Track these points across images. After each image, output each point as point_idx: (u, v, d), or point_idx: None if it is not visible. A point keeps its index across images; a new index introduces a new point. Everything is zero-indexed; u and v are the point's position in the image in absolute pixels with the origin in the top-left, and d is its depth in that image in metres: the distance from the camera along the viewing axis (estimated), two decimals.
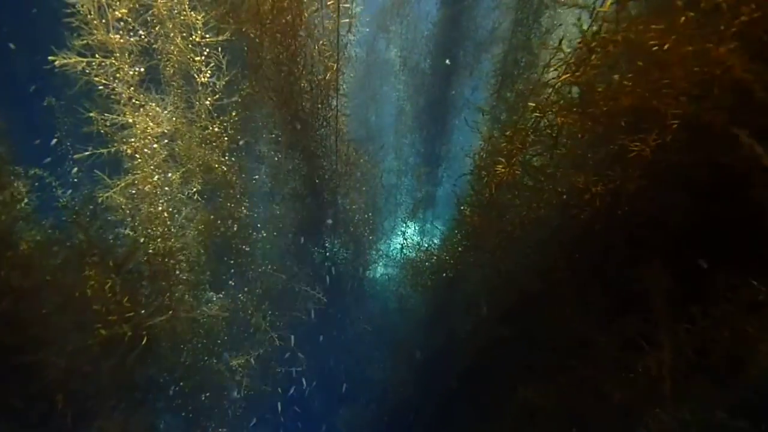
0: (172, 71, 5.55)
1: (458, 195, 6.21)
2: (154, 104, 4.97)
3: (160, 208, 5.45)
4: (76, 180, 6.21)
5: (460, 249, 6.09)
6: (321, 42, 5.13)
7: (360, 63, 10.38)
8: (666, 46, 2.22)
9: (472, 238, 5.36)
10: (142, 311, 4.55)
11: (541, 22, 6.61)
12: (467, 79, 9.57)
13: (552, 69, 2.70)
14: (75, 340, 3.97)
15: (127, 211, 5.37)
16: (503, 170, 3.33)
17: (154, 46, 5.27)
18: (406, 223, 10.64)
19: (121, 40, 4.73)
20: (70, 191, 6.54)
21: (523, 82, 6.15)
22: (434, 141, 10.78)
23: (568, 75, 2.62)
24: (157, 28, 5.21)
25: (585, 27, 2.48)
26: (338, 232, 8.44)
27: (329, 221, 7.96)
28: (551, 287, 4.15)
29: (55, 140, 7.71)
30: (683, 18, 2.18)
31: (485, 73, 8.66)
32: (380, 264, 9.98)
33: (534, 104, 2.94)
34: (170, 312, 4.86)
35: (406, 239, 9.18)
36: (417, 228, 11.40)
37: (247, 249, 6.83)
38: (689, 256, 2.82)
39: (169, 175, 5.50)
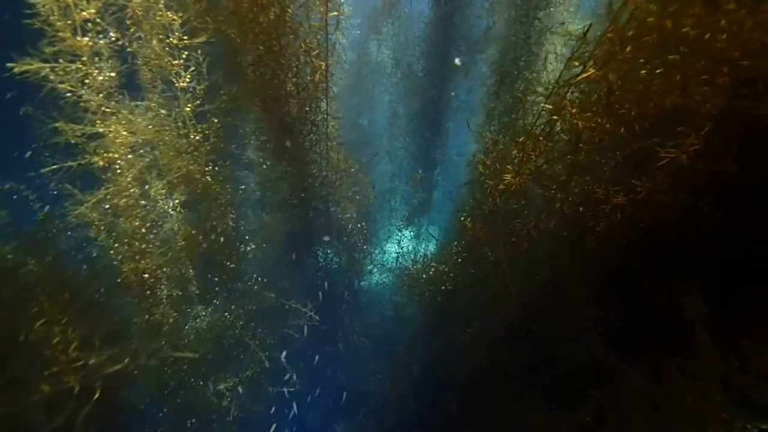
0: (149, 76, 5.16)
1: (456, 202, 5.85)
2: (126, 112, 4.57)
3: (137, 223, 5.07)
4: (55, 193, 5.83)
5: (459, 260, 5.75)
6: (308, 40, 4.75)
7: (351, 64, 10.07)
8: (708, 36, 1.90)
9: (472, 250, 5.02)
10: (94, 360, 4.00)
11: (540, 19, 6.29)
12: (462, 81, 9.26)
13: (575, 65, 2.35)
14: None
15: (102, 228, 5.00)
16: (512, 178, 2.99)
17: (128, 49, 4.88)
18: (400, 231, 10.29)
19: (90, 43, 4.35)
20: (48, 206, 6.15)
21: (525, 82, 5.82)
22: (428, 145, 10.45)
23: (593, 71, 2.27)
24: (131, 30, 4.81)
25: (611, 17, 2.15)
26: (329, 241, 8.08)
27: (321, 231, 7.60)
28: (561, 304, 3.82)
29: (29, 152, 7.31)
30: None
31: (481, 74, 8.37)
32: (374, 274, 9.62)
33: (550, 105, 2.60)
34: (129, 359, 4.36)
35: (401, 247, 8.83)
36: (411, 235, 11.05)
37: (232, 265, 6.43)
38: (727, 273, 2.49)
39: (147, 187, 5.13)
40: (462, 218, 5.03)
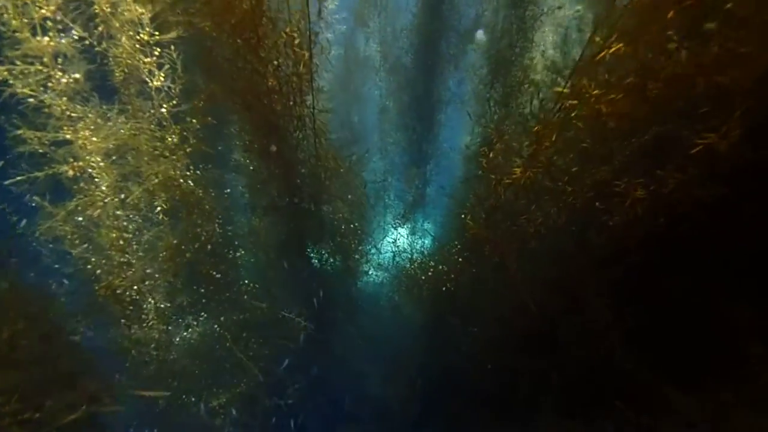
0: (120, 76, 4.79)
1: (450, 197, 5.54)
2: (93, 116, 4.21)
3: (114, 235, 4.73)
4: (33, 205, 5.50)
5: (460, 259, 5.47)
6: (288, 29, 4.39)
7: (338, 58, 9.73)
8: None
9: (474, 250, 4.73)
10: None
11: (535, 3, 5.99)
12: (453, 72, 8.95)
13: (597, 41, 2.03)
14: None
15: (76, 242, 4.66)
16: (521, 173, 2.69)
17: (96, 48, 4.51)
18: (396, 228, 9.97)
19: (51, 43, 3.98)
20: (25, 220, 5.80)
21: (522, 70, 5.50)
22: (420, 138, 10.11)
23: (620, 45, 1.95)
24: (99, 27, 4.43)
25: None
26: (321, 242, 7.75)
27: (311, 233, 7.27)
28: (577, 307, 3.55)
29: (2, 162, 6.94)
30: None
31: (471, 64, 8.07)
32: (370, 275, 9.29)
33: (566, 90, 2.29)
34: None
35: (397, 247, 8.54)
36: (406, 233, 10.72)
37: (218, 275, 6.10)
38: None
39: (123, 195, 4.78)
40: (462, 215, 4.74)
